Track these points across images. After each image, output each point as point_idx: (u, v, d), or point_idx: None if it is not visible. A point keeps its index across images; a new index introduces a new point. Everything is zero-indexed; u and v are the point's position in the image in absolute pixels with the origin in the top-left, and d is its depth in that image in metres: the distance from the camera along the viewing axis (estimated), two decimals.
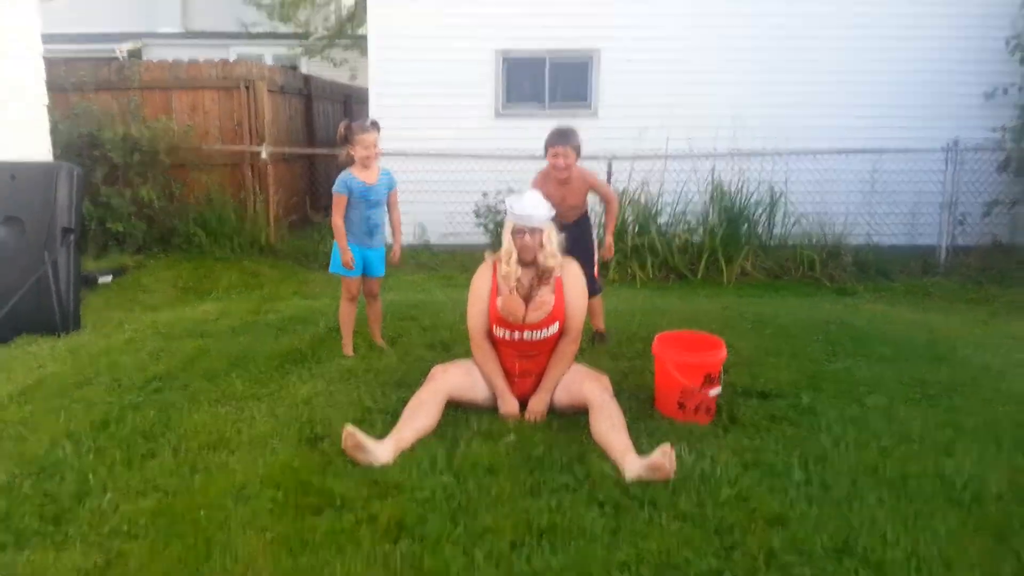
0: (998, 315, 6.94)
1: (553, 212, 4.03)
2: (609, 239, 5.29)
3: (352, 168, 4.90)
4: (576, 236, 4.55)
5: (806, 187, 9.26)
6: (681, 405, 3.93)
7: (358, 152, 4.84)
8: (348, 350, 5.06)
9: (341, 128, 4.92)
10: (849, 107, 9.79)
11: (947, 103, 9.74)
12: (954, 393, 4.40)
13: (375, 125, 4.91)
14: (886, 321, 6.32)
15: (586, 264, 4.56)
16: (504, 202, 4.64)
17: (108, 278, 7.55)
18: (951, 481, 3.29)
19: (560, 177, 4.88)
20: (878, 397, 4.30)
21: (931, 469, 3.41)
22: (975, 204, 9.38)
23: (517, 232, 3.92)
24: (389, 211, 5.12)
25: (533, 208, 3.92)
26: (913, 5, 9.65)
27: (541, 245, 3.92)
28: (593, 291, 4.84)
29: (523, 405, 3.97)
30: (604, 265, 8.26)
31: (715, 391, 3.96)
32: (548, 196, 4.17)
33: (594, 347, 5.20)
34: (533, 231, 3.90)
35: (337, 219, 4.92)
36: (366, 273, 5.10)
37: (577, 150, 4.86)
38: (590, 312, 4.79)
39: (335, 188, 4.89)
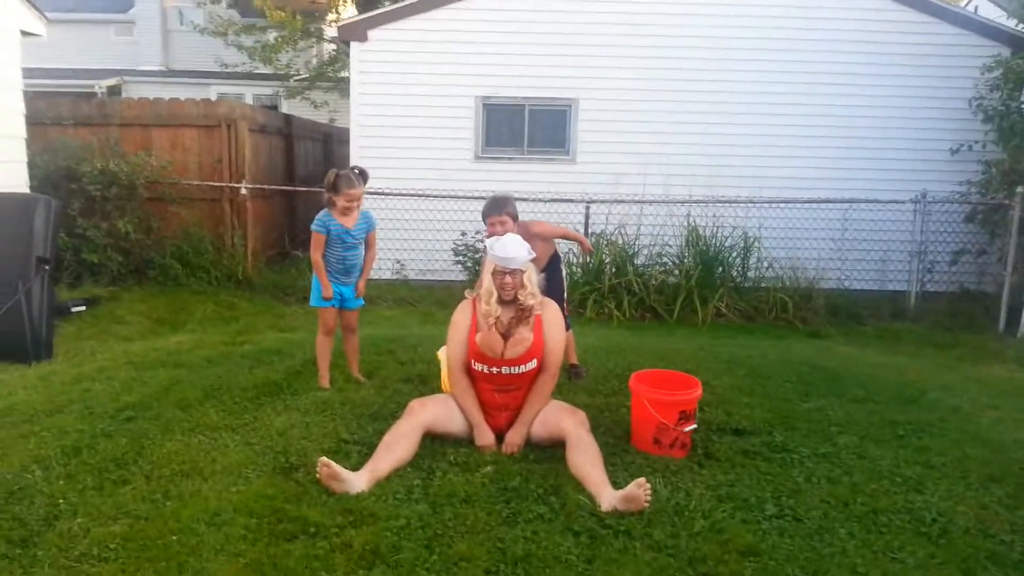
0: (965, 360, 7.06)
1: (533, 254, 4.09)
2: (582, 237, 6.01)
3: (332, 209, 4.93)
4: (547, 277, 4.61)
5: (779, 233, 9.51)
6: (657, 441, 3.96)
7: (340, 202, 4.86)
8: (324, 382, 5.04)
9: (331, 176, 4.88)
10: (820, 159, 10.08)
11: (915, 157, 10.06)
12: (924, 433, 4.46)
13: (363, 176, 4.91)
14: (857, 363, 6.40)
15: (557, 302, 4.61)
16: (483, 242, 4.69)
17: (81, 307, 7.49)
18: (920, 516, 3.35)
19: None
20: (849, 436, 4.35)
21: (901, 504, 3.46)
22: (943, 253, 9.66)
23: (497, 273, 3.98)
24: (366, 250, 5.12)
25: (514, 250, 3.98)
26: (881, 65, 10.00)
27: (522, 285, 3.99)
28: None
29: (499, 438, 3.98)
30: (582, 303, 8.41)
31: (690, 427, 3.99)
32: None
33: (571, 382, 5.23)
34: (514, 272, 3.96)
35: (316, 255, 4.95)
36: (343, 306, 5.12)
37: (513, 216, 4.88)
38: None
39: (313, 226, 4.92)
